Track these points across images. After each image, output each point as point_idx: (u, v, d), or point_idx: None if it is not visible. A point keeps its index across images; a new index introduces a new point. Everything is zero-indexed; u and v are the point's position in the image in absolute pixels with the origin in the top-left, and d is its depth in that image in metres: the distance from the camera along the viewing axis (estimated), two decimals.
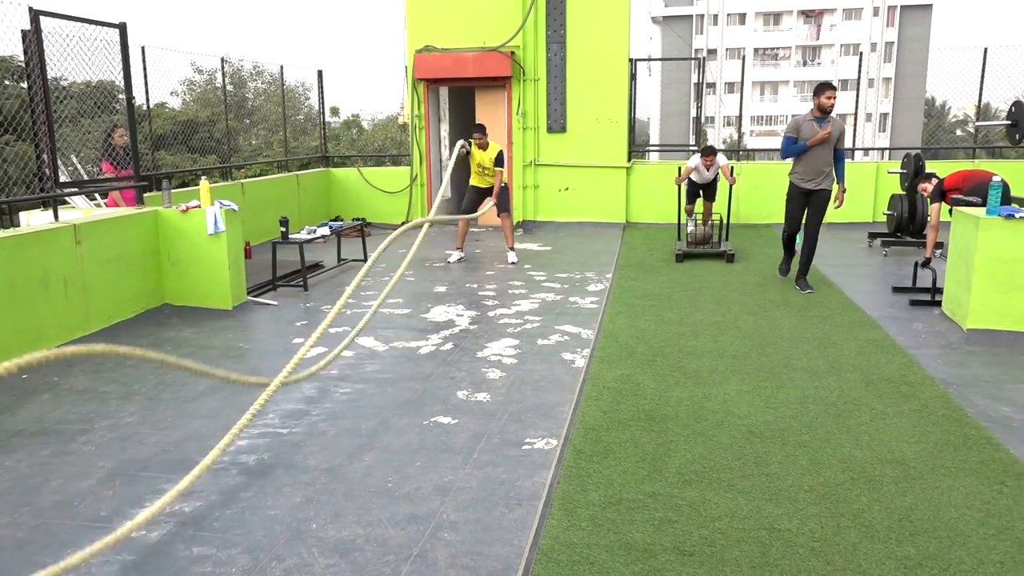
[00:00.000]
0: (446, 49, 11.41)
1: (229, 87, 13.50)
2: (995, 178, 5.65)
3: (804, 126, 7.07)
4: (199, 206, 6.63)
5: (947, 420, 4.18)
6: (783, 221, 7.59)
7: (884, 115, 55.42)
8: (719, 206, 9.70)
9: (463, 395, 4.66)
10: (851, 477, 3.54)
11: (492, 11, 11.32)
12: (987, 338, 5.54)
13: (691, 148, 13.67)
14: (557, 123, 11.47)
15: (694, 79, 52.06)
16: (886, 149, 25.33)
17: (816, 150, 7.05)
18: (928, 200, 7.58)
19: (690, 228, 9.07)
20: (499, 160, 8.71)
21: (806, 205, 7.27)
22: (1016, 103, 9.01)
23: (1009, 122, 9.06)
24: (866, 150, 24.24)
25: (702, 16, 58.74)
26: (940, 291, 6.48)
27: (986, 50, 11.07)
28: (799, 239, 7.47)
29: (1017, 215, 5.45)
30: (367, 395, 4.69)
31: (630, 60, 11.42)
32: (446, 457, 3.80)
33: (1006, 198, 6.34)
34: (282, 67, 12.55)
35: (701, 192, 9.75)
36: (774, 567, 2.85)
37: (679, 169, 9.48)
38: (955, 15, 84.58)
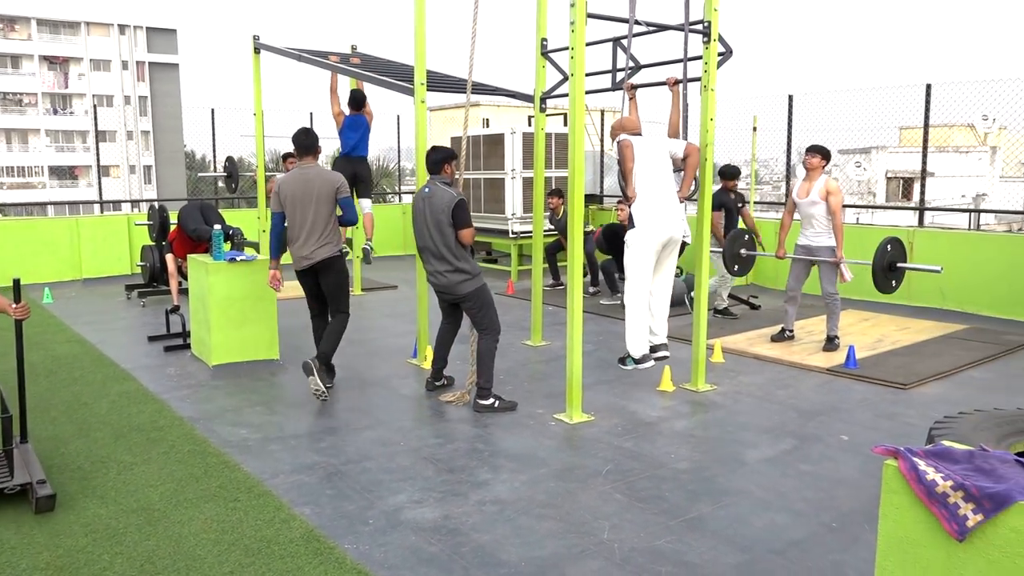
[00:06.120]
0: None
1: None
2: (216, 227, 6.28)
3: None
4: None
5: (192, 455, 4.45)
6: None
7: (148, 167, 56.30)
8: None
9: None
10: (94, 540, 3.45)
11: None
12: (230, 371, 6.10)
13: None
14: None
15: None
16: (147, 200, 25.56)
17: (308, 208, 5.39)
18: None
19: None
20: None
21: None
22: (228, 158, 10.25)
23: (225, 174, 10.23)
24: (134, 201, 24.09)
25: None
26: (190, 334, 6.87)
27: (211, 109, 12.25)
28: None
29: (239, 258, 6.16)
30: None
31: None
32: None
33: (237, 245, 7.15)
34: None
35: None
36: None
37: None
38: (199, 75, 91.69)
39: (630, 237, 5.34)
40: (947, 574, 2.04)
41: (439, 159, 5.30)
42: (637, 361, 5.50)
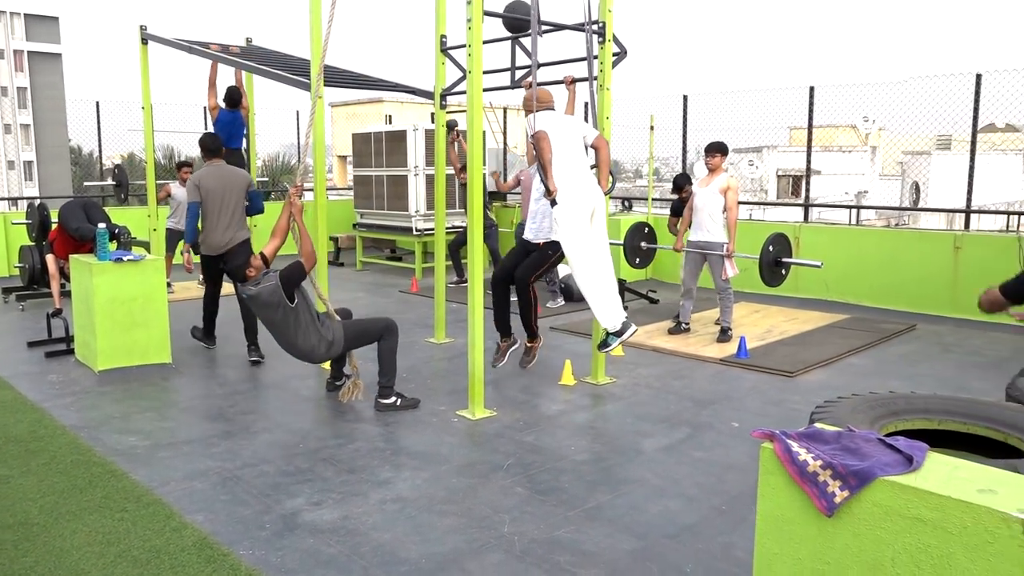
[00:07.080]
0: None
1: None
2: (100, 226, 5.98)
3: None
4: None
5: (75, 465, 4.23)
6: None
7: (29, 163, 53.05)
8: None
9: None
10: None
11: None
12: (118, 376, 5.83)
13: None
14: None
15: None
16: (35, 198, 24.06)
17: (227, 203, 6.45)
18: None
19: None
20: None
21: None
22: (118, 166, 9.81)
23: (114, 183, 9.77)
24: (13, 199, 22.58)
25: None
26: (73, 339, 6.52)
27: (96, 103, 11.65)
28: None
29: (126, 258, 5.89)
30: None
31: None
32: None
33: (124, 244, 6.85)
34: None
35: None
36: None
37: None
38: (83, 67, 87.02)
39: (557, 213, 5.15)
40: (818, 548, 2.16)
41: (239, 266, 4.94)
42: (619, 333, 5.25)
